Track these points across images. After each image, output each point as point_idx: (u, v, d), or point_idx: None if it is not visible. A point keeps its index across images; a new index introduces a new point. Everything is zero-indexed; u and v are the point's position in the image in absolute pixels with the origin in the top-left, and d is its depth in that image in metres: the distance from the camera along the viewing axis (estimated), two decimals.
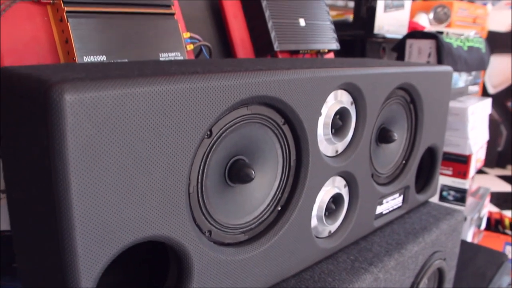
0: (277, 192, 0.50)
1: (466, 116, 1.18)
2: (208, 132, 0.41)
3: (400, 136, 0.70)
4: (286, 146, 0.49)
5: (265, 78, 0.43)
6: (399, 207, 0.73)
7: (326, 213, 0.57)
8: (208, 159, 0.42)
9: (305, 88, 0.47)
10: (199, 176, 0.41)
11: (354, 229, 0.61)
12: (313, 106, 0.49)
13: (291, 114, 0.47)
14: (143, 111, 0.34)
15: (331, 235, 0.59)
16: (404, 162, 0.72)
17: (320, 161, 0.52)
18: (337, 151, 0.57)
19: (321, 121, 0.52)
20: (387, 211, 0.70)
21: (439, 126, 0.76)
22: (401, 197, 0.73)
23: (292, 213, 0.50)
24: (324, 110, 0.52)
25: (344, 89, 0.55)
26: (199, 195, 0.42)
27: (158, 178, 0.36)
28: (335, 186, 0.57)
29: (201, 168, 0.41)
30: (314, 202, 0.53)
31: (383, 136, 0.66)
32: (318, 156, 0.52)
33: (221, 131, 0.42)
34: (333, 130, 0.54)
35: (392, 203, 0.71)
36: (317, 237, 0.57)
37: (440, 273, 0.75)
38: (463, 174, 1.24)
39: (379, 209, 0.67)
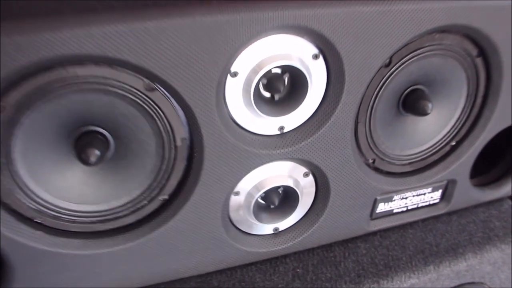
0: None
1: None
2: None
3: (449, 105, 0.44)
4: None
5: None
6: (431, 205, 0.50)
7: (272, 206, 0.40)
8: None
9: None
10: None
11: (318, 232, 0.43)
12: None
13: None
14: None
15: (277, 233, 0.43)
16: (453, 144, 0.47)
17: None
18: None
19: None
20: (404, 209, 0.48)
21: None
22: (439, 192, 0.49)
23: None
24: None
25: None
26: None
27: None
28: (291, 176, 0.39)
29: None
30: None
31: (412, 103, 0.42)
32: None
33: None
34: None
35: (417, 199, 0.48)
36: (246, 233, 0.41)
37: None
38: None
39: (385, 207, 0.47)
